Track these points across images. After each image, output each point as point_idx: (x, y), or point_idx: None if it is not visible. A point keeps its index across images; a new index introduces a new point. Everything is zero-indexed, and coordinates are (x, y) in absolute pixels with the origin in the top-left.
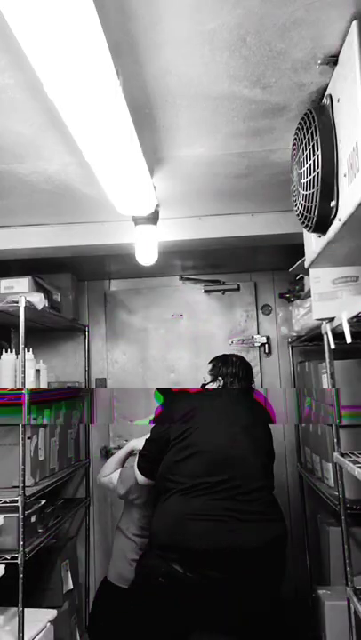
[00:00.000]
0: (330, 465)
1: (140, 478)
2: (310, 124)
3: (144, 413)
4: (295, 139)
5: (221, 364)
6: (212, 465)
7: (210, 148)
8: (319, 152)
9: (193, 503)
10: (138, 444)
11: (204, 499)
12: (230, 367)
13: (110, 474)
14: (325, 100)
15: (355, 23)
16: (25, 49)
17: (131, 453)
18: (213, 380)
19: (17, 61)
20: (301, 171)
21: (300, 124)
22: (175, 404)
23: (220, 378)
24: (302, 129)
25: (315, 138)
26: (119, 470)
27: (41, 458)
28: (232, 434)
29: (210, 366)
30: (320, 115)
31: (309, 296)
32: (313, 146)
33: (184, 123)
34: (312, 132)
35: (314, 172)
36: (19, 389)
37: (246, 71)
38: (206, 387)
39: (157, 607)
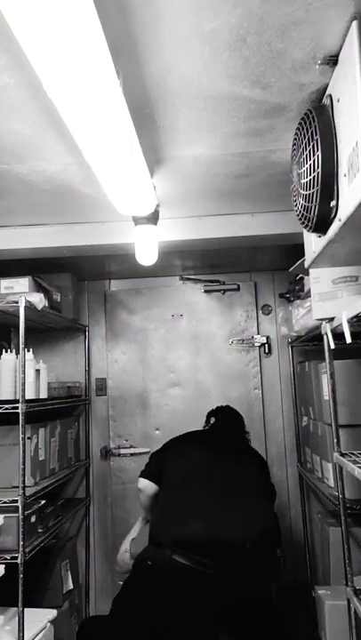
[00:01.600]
0: (330, 465)
1: (143, 484)
2: (310, 124)
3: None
4: (295, 139)
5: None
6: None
7: (210, 147)
8: (319, 152)
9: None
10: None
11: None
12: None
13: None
14: (325, 100)
15: (355, 23)
16: (25, 49)
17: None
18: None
19: (17, 61)
20: (301, 171)
21: (300, 124)
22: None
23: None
24: (302, 129)
25: (315, 138)
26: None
27: (41, 458)
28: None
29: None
30: (320, 115)
31: (309, 296)
32: (313, 146)
33: (184, 123)
34: (312, 132)
35: (314, 172)
36: (15, 400)
37: (246, 71)
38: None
39: (143, 589)
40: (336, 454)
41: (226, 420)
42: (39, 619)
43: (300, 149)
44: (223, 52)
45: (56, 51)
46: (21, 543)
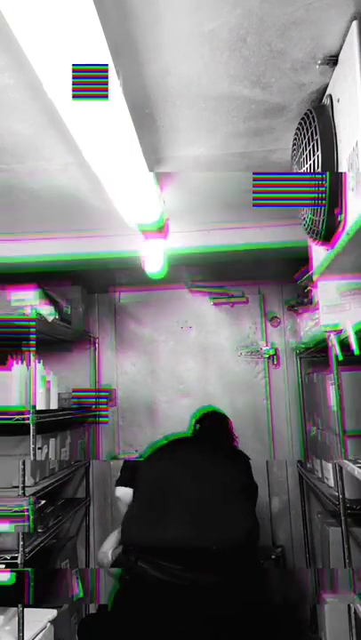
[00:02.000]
0: (330, 465)
1: (120, 492)
2: (310, 124)
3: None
4: (295, 139)
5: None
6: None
7: (210, 148)
8: (319, 152)
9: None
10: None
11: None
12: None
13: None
14: (325, 100)
15: (355, 23)
16: (25, 49)
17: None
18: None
19: (17, 61)
20: (301, 171)
21: (300, 123)
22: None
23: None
24: (302, 129)
25: (315, 138)
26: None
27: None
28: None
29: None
30: (320, 115)
31: (317, 307)
32: (313, 146)
33: (184, 123)
34: (312, 132)
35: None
36: (25, 410)
37: (246, 71)
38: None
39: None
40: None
41: (210, 426)
42: (39, 619)
43: (300, 149)
44: (223, 52)
45: (56, 51)
46: (21, 543)
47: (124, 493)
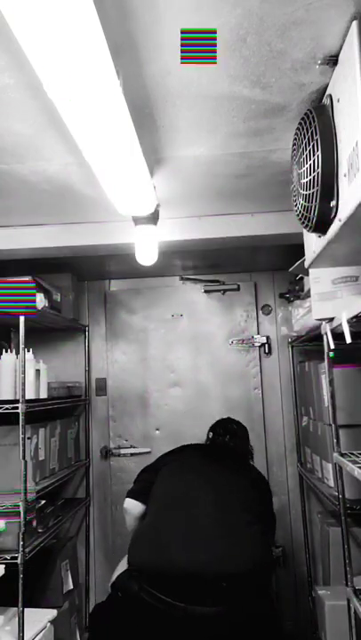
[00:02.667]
0: (330, 465)
1: (129, 504)
2: (310, 124)
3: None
4: (295, 139)
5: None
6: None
7: (210, 147)
8: (319, 152)
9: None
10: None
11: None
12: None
13: None
14: (325, 100)
15: (355, 23)
16: (25, 49)
17: None
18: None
19: (17, 61)
20: (301, 171)
21: (300, 123)
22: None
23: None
24: (302, 129)
25: (315, 138)
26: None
27: (41, 458)
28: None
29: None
30: (320, 115)
31: (309, 296)
32: (313, 146)
33: (184, 123)
34: (312, 132)
35: (314, 172)
36: (15, 400)
37: (246, 71)
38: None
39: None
40: (336, 454)
41: (226, 436)
42: (39, 619)
43: (300, 149)
44: (223, 52)
45: (56, 51)
46: (21, 543)
47: (133, 506)
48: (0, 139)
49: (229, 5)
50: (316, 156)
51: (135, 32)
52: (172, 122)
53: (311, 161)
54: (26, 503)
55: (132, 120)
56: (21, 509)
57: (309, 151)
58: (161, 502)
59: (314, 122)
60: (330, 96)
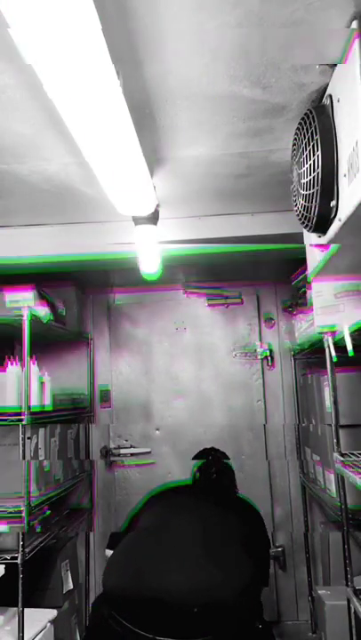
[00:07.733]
0: (332, 475)
1: (109, 554)
2: (310, 124)
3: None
4: (295, 139)
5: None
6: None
7: (210, 147)
8: (319, 152)
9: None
10: None
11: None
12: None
13: None
14: (325, 100)
15: (355, 23)
16: (25, 49)
17: None
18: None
19: (17, 61)
20: (301, 171)
21: (300, 124)
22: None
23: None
24: (302, 129)
25: (315, 138)
26: None
27: (41, 458)
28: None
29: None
30: (320, 115)
31: (312, 308)
32: (313, 146)
33: (184, 123)
34: (312, 132)
35: (314, 172)
36: (20, 411)
37: (246, 71)
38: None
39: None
40: (336, 454)
41: (213, 475)
42: (39, 619)
43: (300, 149)
44: (223, 52)
45: (56, 51)
46: (21, 543)
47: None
48: (0, 139)
49: (229, 5)
50: (316, 156)
51: (135, 32)
52: (172, 122)
53: (311, 161)
54: (28, 507)
55: (132, 120)
56: (24, 514)
57: (309, 151)
58: (140, 527)
59: (314, 122)
60: (330, 96)
